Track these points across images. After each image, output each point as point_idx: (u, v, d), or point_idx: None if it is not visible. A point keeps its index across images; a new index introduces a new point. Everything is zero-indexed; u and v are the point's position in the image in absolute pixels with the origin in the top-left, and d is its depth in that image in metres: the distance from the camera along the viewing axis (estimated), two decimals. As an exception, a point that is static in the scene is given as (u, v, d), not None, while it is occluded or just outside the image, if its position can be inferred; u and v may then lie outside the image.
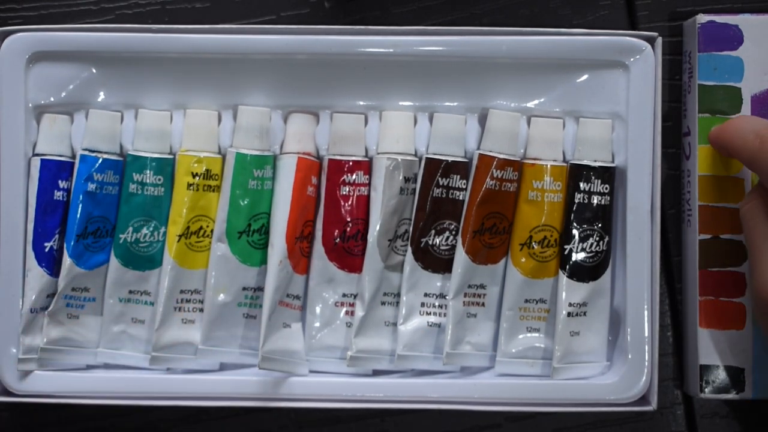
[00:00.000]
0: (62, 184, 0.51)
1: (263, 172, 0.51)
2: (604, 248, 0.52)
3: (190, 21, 0.56)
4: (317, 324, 0.53)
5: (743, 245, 0.53)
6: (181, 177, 0.51)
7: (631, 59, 0.51)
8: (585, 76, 0.52)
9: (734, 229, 0.53)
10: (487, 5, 0.57)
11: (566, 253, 0.52)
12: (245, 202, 0.51)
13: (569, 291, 0.52)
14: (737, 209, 0.52)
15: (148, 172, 0.51)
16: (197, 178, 0.51)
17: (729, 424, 0.56)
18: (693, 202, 0.54)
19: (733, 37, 0.53)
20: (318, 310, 0.53)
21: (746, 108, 0.53)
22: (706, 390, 0.53)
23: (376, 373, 0.53)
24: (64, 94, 0.52)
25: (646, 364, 0.51)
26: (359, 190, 0.52)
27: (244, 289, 0.52)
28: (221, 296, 0.51)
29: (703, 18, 0.53)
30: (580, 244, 0.52)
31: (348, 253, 0.52)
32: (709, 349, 0.53)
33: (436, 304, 0.52)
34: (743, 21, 0.53)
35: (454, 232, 0.52)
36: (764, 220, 0.49)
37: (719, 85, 0.53)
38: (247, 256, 0.51)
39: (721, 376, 0.53)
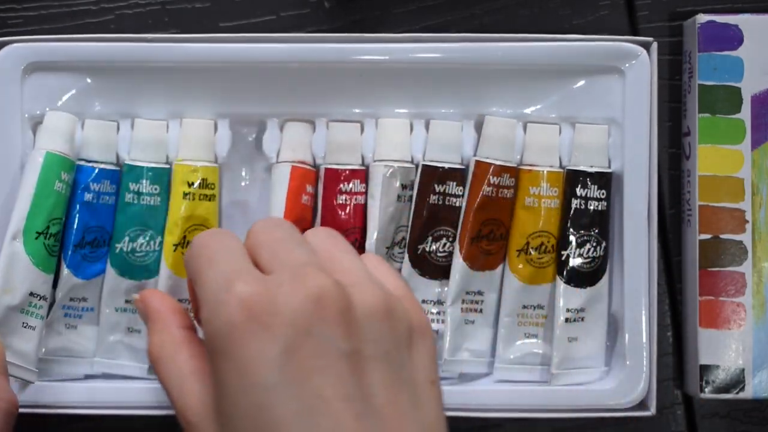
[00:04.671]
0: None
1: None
2: (602, 254, 0.52)
3: (191, 21, 0.56)
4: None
5: (743, 245, 0.53)
6: (177, 186, 0.51)
7: (627, 64, 0.51)
8: (581, 82, 0.52)
9: (734, 229, 0.53)
10: (486, 5, 0.56)
11: (563, 258, 0.52)
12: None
13: (567, 297, 0.51)
14: (737, 209, 0.52)
15: (144, 181, 0.51)
16: (193, 187, 0.51)
17: (729, 424, 0.56)
18: (693, 202, 0.53)
19: (733, 37, 0.53)
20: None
21: (746, 108, 0.53)
22: (706, 390, 0.53)
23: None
24: (59, 104, 0.51)
25: (644, 369, 0.51)
26: (356, 199, 0.52)
27: None
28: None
29: (703, 18, 0.53)
30: (578, 249, 0.51)
31: (346, 262, 0.52)
32: (709, 349, 0.53)
33: (434, 311, 0.52)
34: (743, 21, 0.53)
35: (451, 239, 0.52)
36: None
37: (719, 85, 0.53)
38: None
39: (721, 376, 0.53)
